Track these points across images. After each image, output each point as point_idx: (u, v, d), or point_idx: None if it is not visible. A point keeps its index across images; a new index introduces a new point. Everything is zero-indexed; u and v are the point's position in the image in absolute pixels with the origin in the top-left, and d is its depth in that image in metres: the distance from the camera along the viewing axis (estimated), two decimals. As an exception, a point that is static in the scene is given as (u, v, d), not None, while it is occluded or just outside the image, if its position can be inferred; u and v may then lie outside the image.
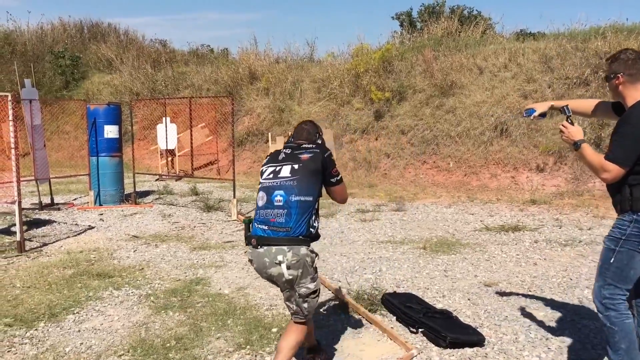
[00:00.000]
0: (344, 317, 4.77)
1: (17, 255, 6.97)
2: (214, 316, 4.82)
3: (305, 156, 3.46)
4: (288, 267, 3.28)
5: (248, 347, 4.19)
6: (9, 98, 7.06)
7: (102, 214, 9.66)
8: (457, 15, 19.05)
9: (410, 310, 4.59)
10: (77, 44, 25.44)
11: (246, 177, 14.94)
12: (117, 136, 10.72)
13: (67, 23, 26.69)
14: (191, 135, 12.18)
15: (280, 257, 3.28)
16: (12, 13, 31.32)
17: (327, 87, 16.51)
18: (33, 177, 10.25)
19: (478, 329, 4.38)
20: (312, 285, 3.40)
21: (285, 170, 3.44)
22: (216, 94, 18.79)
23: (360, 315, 4.78)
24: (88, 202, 10.58)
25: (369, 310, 4.80)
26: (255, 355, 4.05)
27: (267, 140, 12.86)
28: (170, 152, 15.59)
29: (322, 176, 3.48)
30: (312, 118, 15.74)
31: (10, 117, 7.02)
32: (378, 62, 15.64)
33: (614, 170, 3.06)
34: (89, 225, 8.75)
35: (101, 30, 27.25)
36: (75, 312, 5.01)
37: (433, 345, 4.17)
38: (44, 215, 9.63)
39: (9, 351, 4.22)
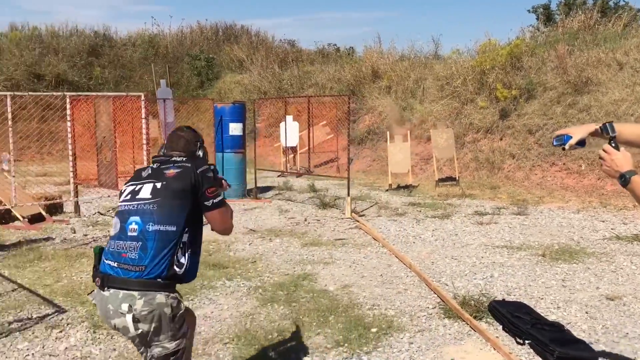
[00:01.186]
0: (447, 322, 4.64)
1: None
2: (316, 312, 4.89)
3: (171, 172, 2.73)
4: (136, 320, 2.52)
5: (346, 345, 4.21)
6: (142, 97, 7.64)
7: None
8: (599, 6, 17.75)
9: (518, 320, 4.36)
10: (212, 45, 26.94)
11: (365, 176, 14.99)
12: (241, 133, 11.23)
13: (204, 26, 28.37)
14: (309, 132, 12.45)
15: (125, 307, 2.52)
16: (156, 17, 33.96)
17: (450, 85, 16.10)
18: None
19: (592, 345, 4.07)
20: (170, 345, 2.61)
21: (146, 191, 2.70)
22: (339, 92, 19.04)
23: (464, 321, 4.62)
24: (214, 196, 11.17)
25: (474, 317, 4.63)
26: (352, 354, 4.06)
27: (387, 139, 12.81)
28: (292, 150, 16.03)
29: (192, 198, 2.69)
30: (433, 116, 15.46)
31: (143, 115, 7.60)
32: (505, 59, 14.97)
33: None
34: (212, 218, 9.24)
35: (234, 32, 28.64)
36: (190, 299, 5.32)
37: (539, 358, 3.93)
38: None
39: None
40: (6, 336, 4.45)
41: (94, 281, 2.68)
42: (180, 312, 2.67)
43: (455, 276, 5.93)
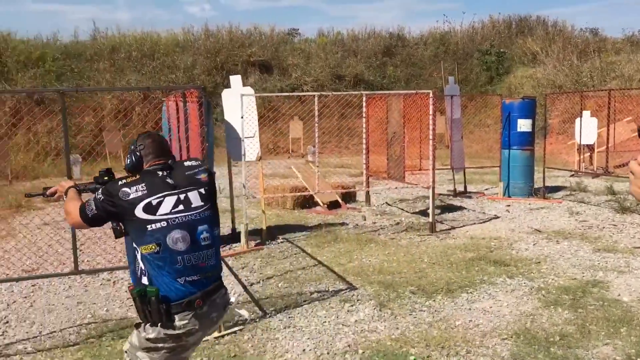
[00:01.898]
0: None
1: (429, 235, 7.82)
2: (606, 321, 4.53)
3: (203, 177, 2.73)
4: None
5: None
6: (430, 95, 7.92)
7: (509, 206, 9.93)
8: None
9: None
10: (504, 39, 26.27)
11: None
12: (530, 130, 10.79)
13: (496, 20, 27.82)
14: (608, 129, 11.33)
15: (223, 309, 2.77)
16: (448, 15, 34.49)
17: None
18: (449, 166, 11.21)
19: None
20: None
21: (195, 198, 2.66)
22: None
23: None
24: (497, 193, 10.99)
25: None
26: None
27: None
28: (589, 148, 14.76)
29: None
30: None
31: (431, 112, 7.88)
32: None
33: None
34: (495, 215, 9.13)
35: (529, 24, 27.46)
36: (469, 291, 5.40)
37: None
38: (456, 202, 10.47)
39: (410, 314, 4.87)
40: (308, 303, 5.14)
41: (165, 319, 2.52)
42: None
43: None
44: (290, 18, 57.76)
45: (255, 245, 7.33)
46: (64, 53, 22.22)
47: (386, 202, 10.46)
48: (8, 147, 15.87)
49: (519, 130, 10.71)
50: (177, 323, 2.54)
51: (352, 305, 5.08)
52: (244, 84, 8.17)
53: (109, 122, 19.73)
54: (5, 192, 12.05)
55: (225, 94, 7.67)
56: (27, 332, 4.77)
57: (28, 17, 47.18)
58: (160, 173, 2.65)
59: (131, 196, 2.54)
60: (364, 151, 9.86)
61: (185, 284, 2.56)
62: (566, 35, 25.54)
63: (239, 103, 7.33)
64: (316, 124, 8.20)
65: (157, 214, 2.55)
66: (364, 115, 9.15)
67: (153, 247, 2.53)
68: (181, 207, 2.60)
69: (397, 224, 8.55)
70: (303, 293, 5.46)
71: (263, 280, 5.90)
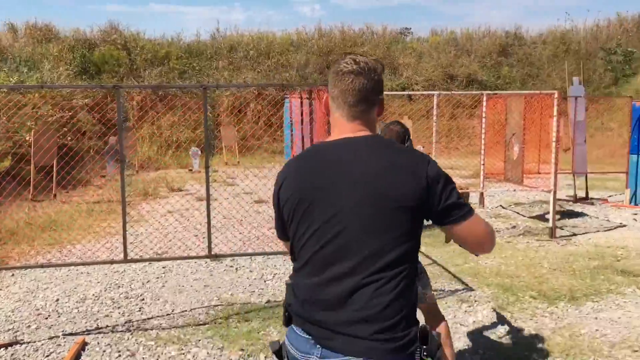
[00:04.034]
0: None
1: (548, 240, 7.54)
2: None
3: None
4: None
5: None
6: (555, 95, 7.62)
7: (636, 214, 9.33)
8: None
9: None
10: (632, 38, 24.59)
11: None
12: (663, 134, 10.08)
13: (624, 18, 26.09)
14: None
15: None
16: (570, 13, 32.66)
17: None
18: (571, 171, 10.70)
19: None
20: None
21: None
22: None
23: None
24: (623, 200, 10.36)
25: None
26: None
27: None
28: None
29: None
30: None
31: (555, 113, 7.58)
32: None
33: None
34: (621, 223, 8.62)
35: (661, 21, 25.53)
36: (594, 300, 5.17)
37: None
38: (577, 208, 9.98)
39: (530, 319, 4.75)
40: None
41: None
42: None
43: None
44: (402, 17, 57.42)
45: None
46: (186, 52, 23.52)
47: (500, 205, 10.18)
48: (135, 139, 17.10)
49: (650, 134, 10.03)
50: None
51: (469, 306, 5.04)
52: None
53: (225, 118, 20.72)
54: (134, 182, 12.98)
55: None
56: (160, 310, 5.16)
57: (151, 18, 50.28)
58: None
59: None
60: (482, 152, 9.64)
61: None
62: None
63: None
64: (434, 123, 8.15)
65: None
66: (483, 115, 8.92)
67: None
68: None
69: (514, 227, 8.31)
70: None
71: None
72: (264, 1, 52.09)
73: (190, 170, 16.08)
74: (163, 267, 6.44)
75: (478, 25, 34.01)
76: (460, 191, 1.74)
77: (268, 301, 5.30)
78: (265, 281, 5.92)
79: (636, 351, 4.08)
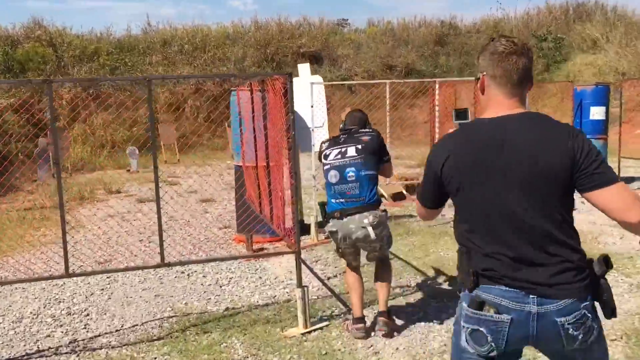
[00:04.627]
0: None
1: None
2: None
3: (365, 138, 4.14)
4: (373, 227, 4.00)
5: None
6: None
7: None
8: None
9: None
10: (561, 25, 25.34)
11: None
12: (603, 118, 10.30)
13: (552, 5, 26.83)
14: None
15: (365, 221, 3.99)
16: (502, 2, 33.28)
17: None
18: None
19: None
20: (388, 232, 4.22)
21: (351, 151, 4.11)
22: None
23: None
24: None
25: None
26: None
27: None
28: (660, 136, 14.04)
29: (379, 155, 4.16)
30: None
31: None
32: None
33: None
34: (570, 207, 8.70)
35: (586, 9, 26.39)
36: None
37: None
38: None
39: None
40: (393, 299, 4.91)
41: (328, 220, 4.16)
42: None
43: None
44: (337, 9, 57.35)
45: (325, 238, 7.14)
46: (117, 47, 22.54)
47: (451, 194, 10.12)
48: (69, 140, 16.17)
49: (591, 118, 10.22)
50: (328, 225, 4.18)
51: (438, 302, 4.84)
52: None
53: (162, 115, 19.96)
54: (68, 185, 12.22)
55: (294, 83, 7.48)
56: (108, 325, 4.71)
57: (78, 15, 48.25)
58: (340, 136, 4.30)
59: (322, 148, 4.33)
60: (432, 142, 9.53)
61: (336, 203, 4.13)
62: (628, 21, 24.46)
63: (307, 92, 7.16)
64: (387, 113, 7.96)
65: (328, 160, 4.19)
66: (436, 103, 8.75)
67: (326, 180, 4.20)
68: (339, 156, 4.14)
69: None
70: (385, 288, 5.24)
71: (340, 274, 5.71)
72: (195, -5, 50.87)
73: (129, 170, 15.35)
74: (107, 277, 5.96)
75: (414, 15, 34.35)
76: (409, 182, 2.91)
77: (227, 309, 4.94)
78: (221, 286, 5.55)
79: (613, 340, 3.97)
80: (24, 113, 15.38)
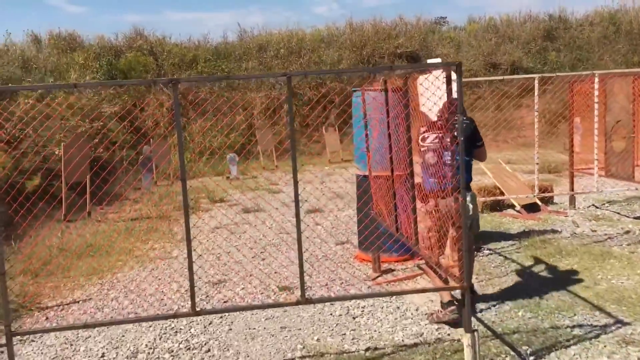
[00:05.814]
0: None
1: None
2: None
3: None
4: (470, 204, 4.21)
5: None
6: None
7: None
8: None
9: None
10: (688, 14, 22.90)
11: None
12: None
13: (674, -7, 24.37)
14: None
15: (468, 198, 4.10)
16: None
17: None
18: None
19: None
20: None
21: (447, 137, 4.16)
22: None
23: None
24: None
25: None
26: None
27: None
28: None
29: (472, 140, 4.37)
30: None
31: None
32: None
33: None
34: None
35: None
36: None
37: None
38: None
39: None
40: (575, 344, 3.94)
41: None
42: None
43: None
44: (431, 8, 55.62)
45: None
46: (214, 54, 22.58)
47: (593, 205, 8.87)
48: (168, 146, 16.11)
49: None
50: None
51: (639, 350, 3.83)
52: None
53: (258, 121, 19.69)
54: (171, 193, 11.99)
55: (421, 80, 6.64)
56: (233, 364, 4.06)
57: (172, 26, 49.65)
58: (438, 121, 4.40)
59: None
60: (569, 145, 8.38)
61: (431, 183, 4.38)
62: None
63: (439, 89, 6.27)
64: (536, 113, 6.94)
65: (426, 143, 4.46)
66: (595, 100, 7.56)
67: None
68: (437, 140, 4.33)
69: (627, 232, 7.01)
70: (559, 327, 4.26)
71: (494, 306, 4.79)
72: (280, 3, 51.10)
73: (228, 177, 15.05)
74: (224, 302, 5.36)
75: (518, 9, 32.50)
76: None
77: (367, 348, 4.16)
78: (354, 318, 4.78)
79: None
80: (127, 122, 15.45)
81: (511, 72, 21.93)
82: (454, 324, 4.36)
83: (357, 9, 52.23)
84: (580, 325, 4.27)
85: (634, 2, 24.70)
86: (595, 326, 4.26)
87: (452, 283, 4.18)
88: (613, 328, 4.20)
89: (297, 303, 3.46)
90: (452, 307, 4.38)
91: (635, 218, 7.82)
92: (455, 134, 3.77)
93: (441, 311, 4.47)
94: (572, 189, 8.54)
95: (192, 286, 3.27)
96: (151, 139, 16.60)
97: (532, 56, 22.64)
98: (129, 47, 21.82)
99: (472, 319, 4.01)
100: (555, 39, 23.40)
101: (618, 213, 8.20)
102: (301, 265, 3.47)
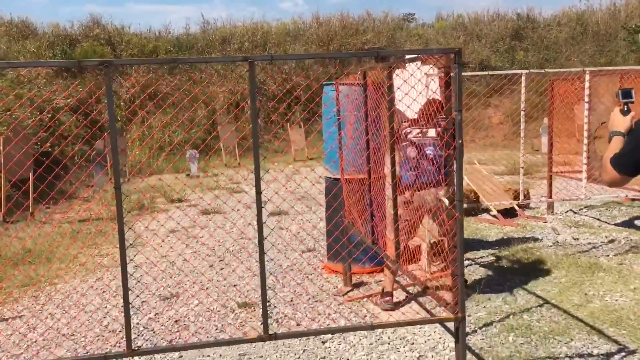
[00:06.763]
0: None
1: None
2: None
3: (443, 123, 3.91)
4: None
5: None
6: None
7: None
8: None
9: None
10: (653, 17, 23.05)
11: None
12: None
13: (639, -4, 24.54)
14: None
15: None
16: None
17: None
18: None
19: None
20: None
21: (432, 132, 4.29)
22: None
23: None
24: None
25: None
26: None
27: None
28: None
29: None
30: None
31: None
32: None
33: None
34: None
35: (680, -1, 23.98)
36: None
37: None
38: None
39: None
40: (579, 379, 3.44)
41: None
42: None
43: None
44: (398, 3, 55.40)
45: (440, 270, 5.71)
46: (175, 46, 21.72)
47: (571, 210, 8.50)
48: (126, 141, 15.25)
49: None
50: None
51: (650, 385, 3.35)
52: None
53: (219, 117, 18.96)
54: (126, 191, 11.19)
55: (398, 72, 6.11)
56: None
57: (133, 18, 48.22)
58: None
59: None
60: (547, 146, 7.97)
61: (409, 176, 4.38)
62: None
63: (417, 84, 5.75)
64: (522, 105, 6.47)
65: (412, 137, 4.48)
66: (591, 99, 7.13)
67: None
68: (420, 135, 4.37)
69: (611, 241, 6.61)
70: (557, 357, 3.76)
71: (481, 329, 4.27)
72: (245, -3, 50.10)
73: (188, 174, 14.29)
74: (175, 322, 4.71)
75: (486, 8, 32.36)
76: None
77: (340, 382, 3.58)
78: (323, 343, 4.19)
79: None
80: (80, 114, 14.54)
81: (479, 70, 21.68)
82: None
83: (322, 5, 51.62)
84: (580, 355, 3.78)
85: (601, 3, 24.79)
86: (597, 355, 3.78)
87: (442, 307, 3.64)
88: (617, 357, 3.73)
89: (260, 339, 2.86)
90: (388, 299, 4.65)
91: (616, 225, 7.45)
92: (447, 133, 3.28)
93: (379, 298, 4.74)
94: (550, 194, 8.13)
95: (127, 322, 2.63)
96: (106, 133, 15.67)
97: (500, 55, 22.46)
98: (85, 36, 20.78)
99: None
100: (524, 38, 23.28)
101: (598, 219, 7.84)
102: (264, 292, 2.86)
